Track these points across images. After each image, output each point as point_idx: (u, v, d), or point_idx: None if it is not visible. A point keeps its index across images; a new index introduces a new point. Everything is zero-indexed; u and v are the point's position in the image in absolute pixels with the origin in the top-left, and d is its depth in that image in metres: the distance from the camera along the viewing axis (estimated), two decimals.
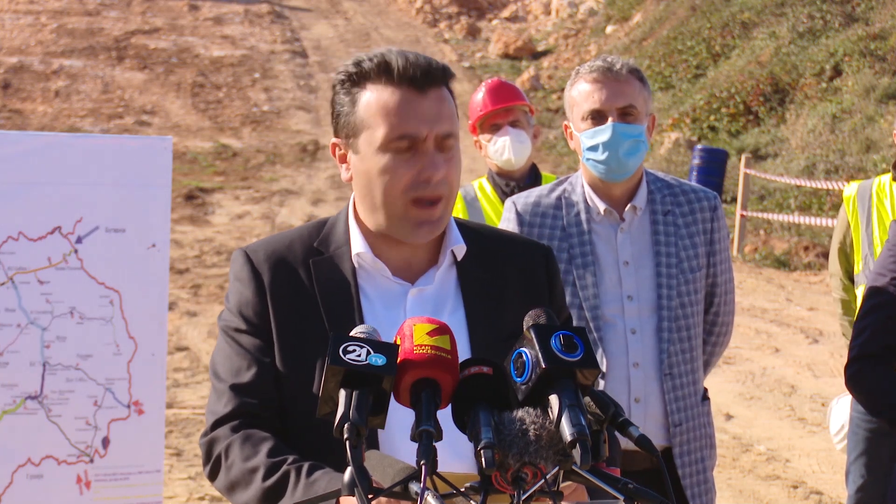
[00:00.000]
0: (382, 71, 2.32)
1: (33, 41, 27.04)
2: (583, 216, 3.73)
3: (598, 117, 3.66)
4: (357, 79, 2.35)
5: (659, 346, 3.66)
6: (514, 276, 2.46)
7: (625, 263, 3.70)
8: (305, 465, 2.20)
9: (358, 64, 2.35)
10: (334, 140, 2.43)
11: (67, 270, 3.55)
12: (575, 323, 3.45)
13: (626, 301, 3.68)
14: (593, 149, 3.65)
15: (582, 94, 3.68)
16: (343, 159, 2.41)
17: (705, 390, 3.85)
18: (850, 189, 5.45)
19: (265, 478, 2.22)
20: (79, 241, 3.56)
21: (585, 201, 3.74)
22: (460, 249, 2.43)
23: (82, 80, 25.02)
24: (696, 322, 3.76)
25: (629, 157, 3.64)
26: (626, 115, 3.65)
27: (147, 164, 3.65)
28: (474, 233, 2.49)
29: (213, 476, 2.35)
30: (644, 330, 3.68)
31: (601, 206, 3.71)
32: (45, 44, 26.93)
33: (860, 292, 5.33)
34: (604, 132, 3.63)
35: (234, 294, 2.42)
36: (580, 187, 3.77)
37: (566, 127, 3.80)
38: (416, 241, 2.36)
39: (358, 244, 2.40)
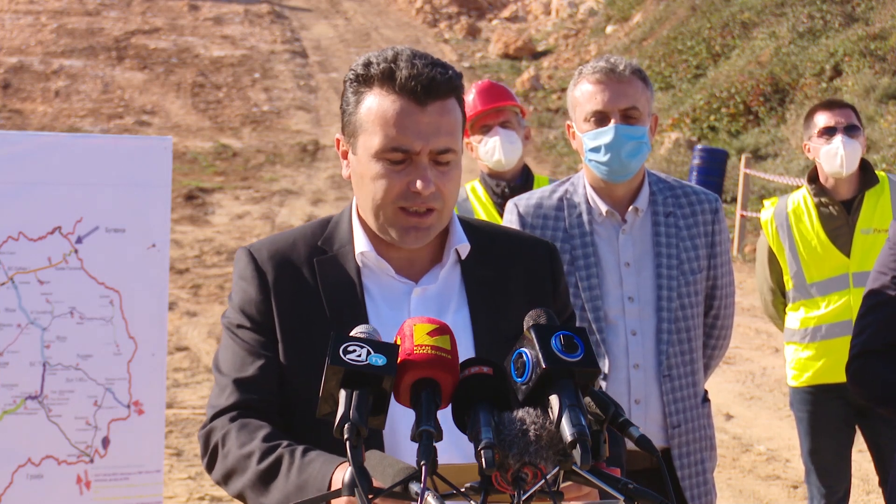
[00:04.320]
0: (387, 78, 2.31)
1: (33, 41, 27.04)
2: (584, 217, 3.72)
3: (600, 118, 3.65)
4: (363, 80, 2.35)
5: (658, 348, 3.66)
6: (518, 274, 2.46)
7: (626, 265, 3.69)
8: (300, 448, 2.21)
9: (367, 65, 2.34)
10: (338, 135, 2.45)
11: (67, 270, 3.54)
12: (577, 324, 3.46)
13: (627, 302, 3.67)
14: (595, 150, 3.65)
15: (585, 94, 3.67)
16: (345, 155, 2.43)
17: (705, 392, 3.85)
18: (766, 213, 5.49)
19: (259, 461, 2.22)
20: (79, 241, 3.56)
21: (587, 202, 3.73)
22: (464, 248, 2.43)
23: (82, 80, 25.02)
24: (696, 324, 3.75)
25: (631, 158, 3.64)
26: (628, 116, 3.63)
27: (147, 164, 3.64)
28: (478, 230, 2.49)
29: (210, 466, 2.35)
30: (644, 331, 3.68)
31: (603, 208, 3.71)
32: (45, 44, 26.93)
33: (793, 309, 5.42)
34: (606, 134, 3.62)
35: (238, 293, 2.42)
36: (582, 188, 3.76)
37: (569, 127, 3.80)
38: (406, 246, 2.37)
39: (361, 243, 2.40)
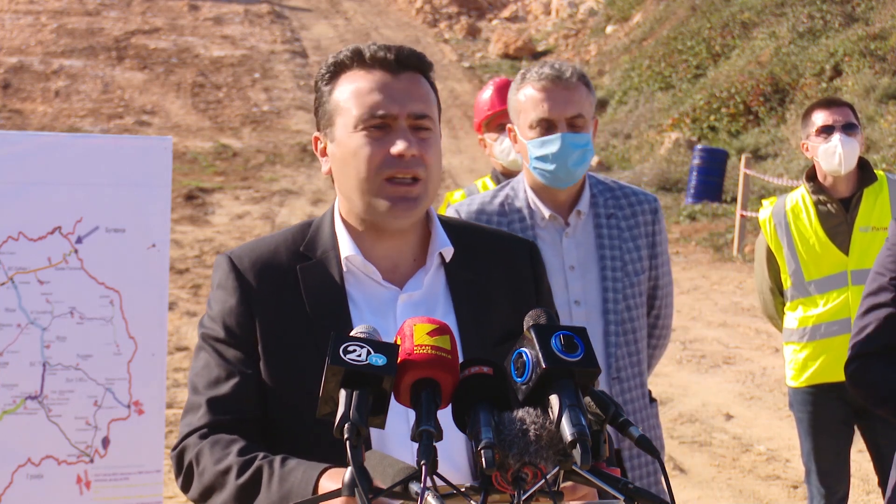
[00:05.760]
0: (355, 58, 2.36)
1: (33, 41, 27.04)
2: (527, 222, 3.69)
3: (547, 126, 3.61)
4: (335, 71, 2.38)
5: (607, 350, 3.64)
6: (501, 275, 2.45)
7: (570, 268, 3.67)
8: (277, 458, 2.18)
9: (335, 60, 2.39)
10: (315, 134, 2.44)
11: (67, 270, 3.54)
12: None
13: (574, 306, 3.64)
14: (542, 158, 3.61)
15: (530, 100, 3.62)
16: (323, 152, 2.41)
17: (650, 392, 3.84)
18: (764, 212, 5.50)
19: (238, 476, 2.18)
20: (79, 241, 3.55)
21: (529, 206, 3.70)
22: (448, 252, 2.40)
23: (82, 80, 25.02)
24: (642, 325, 3.74)
25: (577, 166, 3.62)
26: (574, 125, 3.60)
27: (147, 164, 3.64)
28: (459, 231, 2.47)
29: (186, 486, 2.30)
30: (592, 335, 3.64)
31: (545, 212, 3.68)
32: (45, 44, 26.93)
33: (791, 308, 5.43)
34: (553, 143, 3.59)
35: (217, 302, 2.37)
36: (523, 192, 3.72)
37: (510, 130, 3.76)
38: (394, 221, 2.33)
39: (346, 247, 2.37)
